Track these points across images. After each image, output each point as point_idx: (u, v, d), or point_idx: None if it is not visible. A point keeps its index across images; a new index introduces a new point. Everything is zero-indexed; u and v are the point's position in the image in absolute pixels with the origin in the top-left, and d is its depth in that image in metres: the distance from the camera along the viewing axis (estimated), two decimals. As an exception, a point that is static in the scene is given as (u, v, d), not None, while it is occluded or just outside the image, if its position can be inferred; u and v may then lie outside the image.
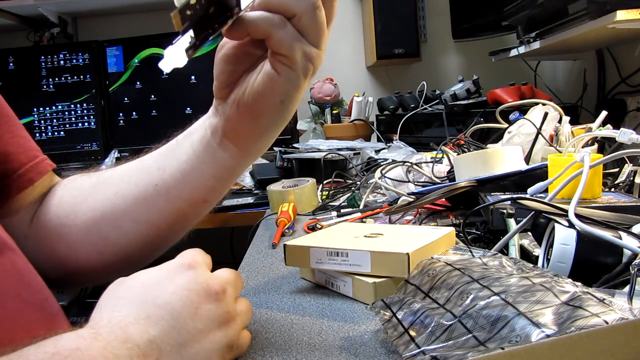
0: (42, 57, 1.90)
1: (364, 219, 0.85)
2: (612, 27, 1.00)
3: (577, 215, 0.48)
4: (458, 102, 1.36)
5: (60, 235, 0.57)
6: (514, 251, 0.55)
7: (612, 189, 0.72)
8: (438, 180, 0.93)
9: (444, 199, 0.76)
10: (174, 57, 0.41)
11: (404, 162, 1.02)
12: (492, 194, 0.69)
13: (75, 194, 0.58)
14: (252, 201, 1.29)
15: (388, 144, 1.43)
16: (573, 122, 0.92)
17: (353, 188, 1.09)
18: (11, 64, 1.89)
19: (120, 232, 0.55)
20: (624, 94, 1.41)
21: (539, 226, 0.53)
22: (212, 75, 0.49)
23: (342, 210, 0.94)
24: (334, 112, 1.75)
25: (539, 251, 0.53)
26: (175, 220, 0.55)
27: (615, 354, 0.26)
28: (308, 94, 1.80)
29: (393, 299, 0.43)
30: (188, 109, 1.85)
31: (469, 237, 0.64)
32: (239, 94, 0.47)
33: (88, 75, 1.90)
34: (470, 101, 1.35)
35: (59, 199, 0.59)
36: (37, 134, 1.89)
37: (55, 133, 1.91)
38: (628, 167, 0.75)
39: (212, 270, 0.42)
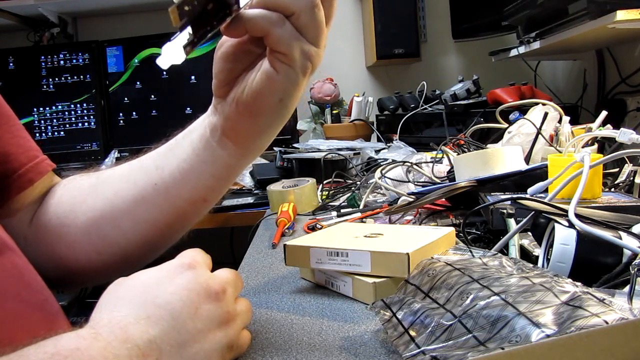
0: (42, 57, 1.90)
1: (364, 219, 0.85)
2: (612, 27, 1.00)
3: (577, 215, 0.48)
4: (458, 102, 1.36)
5: (60, 235, 0.57)
6: (514, 251, 0.55)
7: (612, 189, 0.72)
8: (438, 180, 0.93)
9: (444, 199, 0.76)
10: (172, 53, 0.40)
11: (404, 162, 1.02)
12: (492, 194, 0.68)
13: (74, 194, 0.58)
14: (252, 201, 1.29)
15: (388, 144, 1.43)
16: (573, 122, 0.92)
17: (353, 188, 1.09)
18: (11, 64, 1.89)
19: (119, 231, 0.55)
20: (624, 94, 1.41)
21: (539, 226, 0.53)
22: (212, 74, 0.49)
23: (342, 210, 0.94)
24: (334, 112, 1.75)
25: (539, 251, 0.53)
26: (175, 220, 0.55)
27: (615, 354, 0.26)
28: (308, 93, 1.80)
29: (393, 299, 0.43)
30: (188, 109, 1.85)
31: (469, 237, 0.64)
32: (238, 92, 0.47)
33: (88, 75, 1.90)
34: (470, 101, 1.35)
35: (58, 199, 0.59)
36: (37, 134, 1.89)
37: (55, 133, 1.91)
38: (628, 167, 0.75)
39: (212, 270, 0.42)
